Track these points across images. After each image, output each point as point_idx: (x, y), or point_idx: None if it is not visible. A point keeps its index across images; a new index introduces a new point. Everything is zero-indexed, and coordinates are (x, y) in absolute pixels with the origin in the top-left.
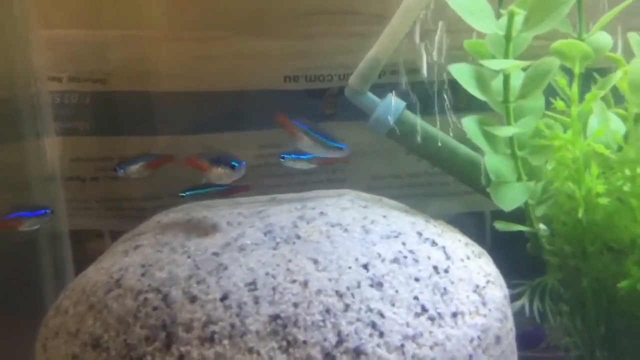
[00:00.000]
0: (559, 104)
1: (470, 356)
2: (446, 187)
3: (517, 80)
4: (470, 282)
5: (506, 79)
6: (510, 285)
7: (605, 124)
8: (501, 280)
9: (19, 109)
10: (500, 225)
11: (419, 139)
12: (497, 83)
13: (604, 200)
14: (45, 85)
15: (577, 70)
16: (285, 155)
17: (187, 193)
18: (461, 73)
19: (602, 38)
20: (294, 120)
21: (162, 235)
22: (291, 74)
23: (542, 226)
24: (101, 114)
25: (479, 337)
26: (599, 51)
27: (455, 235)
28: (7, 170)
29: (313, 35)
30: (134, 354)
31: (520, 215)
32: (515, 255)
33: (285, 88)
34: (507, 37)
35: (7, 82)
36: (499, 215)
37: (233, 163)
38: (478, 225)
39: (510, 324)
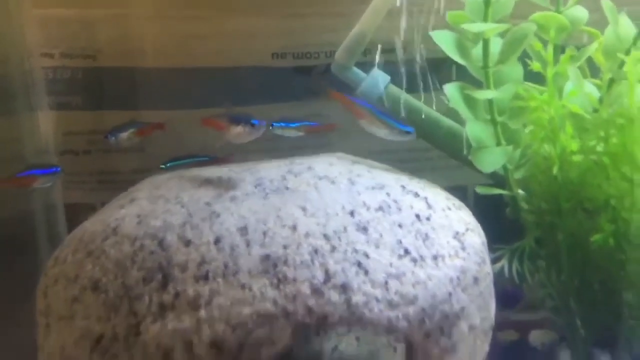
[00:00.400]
0: (535, 65)
1: (450, 294)
2: (430, 162)
3: (496, 47)
4: (450, 229)
5: (485, 44)
6: (492, 251)
7: (579, 87)
8: (480, 230)
9: (13, 85)
10: (481, 190)
11: (403, 111)
12: (477, 50)
13: (577, 158)
14: (39, 62)
15: (552, 36)
16: (275, 124)
17: (168, 164)
18: (443, 39)
19: (578, 12)
20: (356, 99)
21: (156, 190)
22: (279, 51)
23: (520, 191)
24: (92, 89)
25: (458, 278)
26: (575, 24)
27: (437, 190)
28: (2, 144)
29: (301, 14)
30: (132, 293)
31: (502, 185)
32: (496, 227)
33: (273, 65)
34: (486, 2)
35: (1, 59)
36: (492, 199)
37: (253, 121)
38: (461, 199)
39: (488, 268)
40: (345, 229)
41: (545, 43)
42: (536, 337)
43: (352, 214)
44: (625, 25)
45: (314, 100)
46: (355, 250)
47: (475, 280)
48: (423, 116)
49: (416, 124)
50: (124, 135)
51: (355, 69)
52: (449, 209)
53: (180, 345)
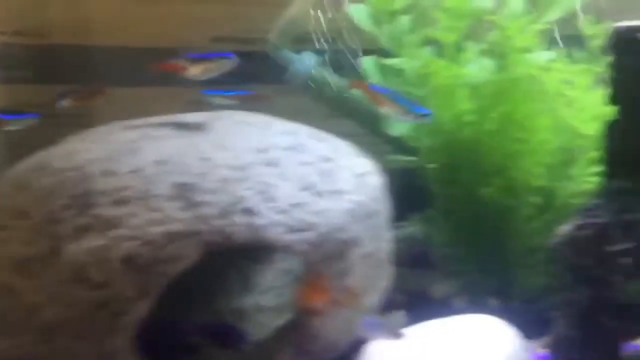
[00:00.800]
0: (439, 34)
1: (346, 223)
2: (362, 147)
3: (405, 21)
4: (351, 170)
5: (395, 16)
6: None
7: (475, 57)
8: (379, 175)
9: None
10: (392, 158)
11: (330, 90)
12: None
13: (469, 118)
14: None
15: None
16: (207, 92)
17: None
18: (359, 13)
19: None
20: (375, 87)
21: (86, 135)
22: (219, 35)
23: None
24: (43, 64)
25: (353, 210)
26: (483, 11)
27: (344, 143)
28: None
29: (244, 2)
30: (54, 218)
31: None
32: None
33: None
34: None
35: None
36: (408, 172)
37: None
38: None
39: (382, 206)
40: (254, 163)
41: None
42: (438, 289)
43: (263, 151)
44: (515, 3)
45: (254, 84)
46: (263, 182)
47: (370, 214)
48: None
49: (341, 103)
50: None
51: (288, 51)
52: (352, 155)
53: (95, 262)
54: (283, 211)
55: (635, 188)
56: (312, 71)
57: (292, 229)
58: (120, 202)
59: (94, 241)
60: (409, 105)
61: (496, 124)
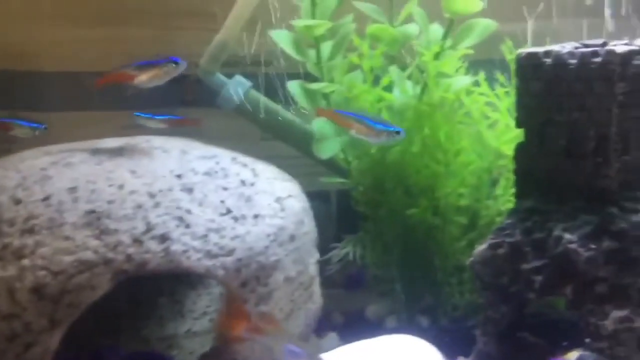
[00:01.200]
0: (353, 59)
1: (267, 247)
2: (298, 168)
3: (327, 47)
4: (272, 194)
5: (317, 42)
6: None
7: (399, 80)
8: (303, 198)
9: None
10: (325, 179)
11: (262, 113)
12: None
13: None
14: None
15: (382, 47)
16: (138, 113)
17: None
18: (282, 38)
19: (411, 28)
20: (341, 112)
21: (2, 162)
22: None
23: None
24: None
25: (274, 234)
26: (407, 38)
27: (268, 165)
28: None
29: (175, 27)
30: None
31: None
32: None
33: None
34: (313, 3)
35: None
36: (344, 194)
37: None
38: (326, 202)
39: (306, 229)
40: (170, 188)
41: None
42: (372, 310)
43: (179, 176)
44: (434, 30)
45: (186, 108)
46: (179, 207)
47: (292, 237)
48: (280, 118)
49: (273, 125)
50: None
51: (219, 75)
52: (275, 178)
53: (3, 292)
54: (200, 237)
55: (543, 207)
56: (244, 94)
57: (209, 255)
58: (29, 231)
59: (2, 271)
60: (379, 125)
61: (420, 147)
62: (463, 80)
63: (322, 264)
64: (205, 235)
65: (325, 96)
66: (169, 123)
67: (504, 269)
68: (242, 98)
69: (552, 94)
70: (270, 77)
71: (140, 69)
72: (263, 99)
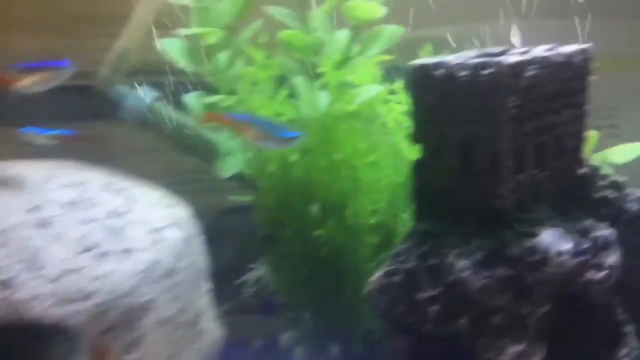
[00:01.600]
0: (247, 70)
1: (135, 286)
2: (217, 182)
3: (223, 57)
4: (148, 224)
5: (211, 52)
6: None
7: (304, 89)
8: (188, 225)
9: None
10: (233, 198)
11: (168, 126)
12: (215, 61)
13: (294, 157)
14: None
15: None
16: (24, 129)
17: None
18: (172, 48)
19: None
20: (234, 115)
21: None
22: None
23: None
24: None
25: (146, 270)
26: (321, 45)
27: (151, 190)
28: None
29: (72, 35)
30: None
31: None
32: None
33: None
34: (204, 9)
35: None
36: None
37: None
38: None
39: (190, 260)
40: (21, 224)
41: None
42: (285, 338)
43: (34, 210)
44: (339, 38)
45: (94, 122)
46: (29, 246)
47: (170, 272)
48: (186, 131)
49: (182, 139)
50: None
51: (122, 86)
52: (155, 205)
53: None
54: (53, 280)
55: (439, 230)
56: (150, 106)
57: (64, 300)
58: None
59: None
60: (272, 129)
61: (326, 162)
62: (372, 90)
63: (238, 288)
64: (59, 278)
65: (228, 110)
66: (60, 139)
67: (400, 298)
68: (147, 110)
69: (445, 108)
70: (182, 87)
71: (23, 71)
72: (170, 111)
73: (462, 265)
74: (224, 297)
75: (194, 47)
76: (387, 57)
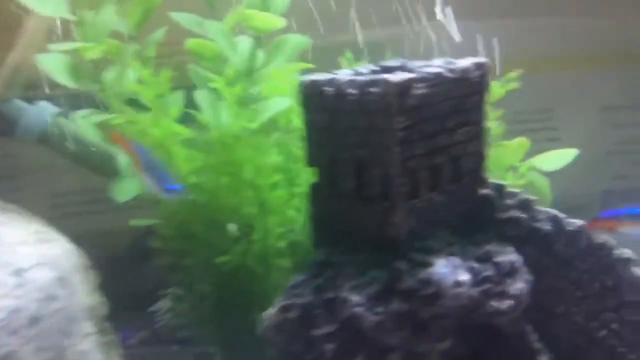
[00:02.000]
0: (132, 87)
1: None
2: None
3: (109, 73)
4: (8, 266)
5: (98, 66)
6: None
7: (206, 105)
8: (65, 262)
9: None
10: (135, 222)
11: (71, 144)
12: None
13: (193, 179)
14: None
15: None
16: None
17: None
18: (51, 64)
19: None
20: (136, 147)
21: None
22: None
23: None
24: None
25: (5, 319)
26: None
27: (24, 223)
28: None
29: None
30: None
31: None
32: None
33: None
34: (82, 22)
35: None
36: None
37: None
38: None
39: (63, 303)
40: None
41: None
42: None
43: None
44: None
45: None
46: None
47: (34, 320)
48: (93, 148)
49: (85, 157)
50: None
51: (17, 101)
52: (21, 243)
53: None
54: None
55: (335, 260)
56: (49, 123)
57: None
58: None
59: None
60: (158, 176)
61: (229, 184)
62: (281, 103)
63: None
64: None
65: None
66: None
67: (296, 335)
68: (46, 127)
69: (337, 129)
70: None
71: None
72: (73, 127)
73: (356, 300)
74: (140, 326)
75: (78, 63)
76: (301, 66)
